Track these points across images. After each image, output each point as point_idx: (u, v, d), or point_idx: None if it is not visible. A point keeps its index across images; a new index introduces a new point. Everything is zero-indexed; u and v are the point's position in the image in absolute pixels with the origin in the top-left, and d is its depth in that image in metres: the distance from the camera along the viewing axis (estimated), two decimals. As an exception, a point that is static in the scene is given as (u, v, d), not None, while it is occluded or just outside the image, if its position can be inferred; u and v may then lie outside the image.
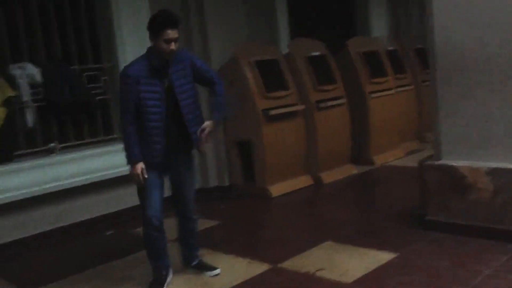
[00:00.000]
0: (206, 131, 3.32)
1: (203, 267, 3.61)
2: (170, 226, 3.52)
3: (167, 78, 3.23)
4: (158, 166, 3.27)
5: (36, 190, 4.47)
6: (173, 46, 3.14)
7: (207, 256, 3.87)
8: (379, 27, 8.13)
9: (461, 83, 3.81)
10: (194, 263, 3.62)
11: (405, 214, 4.44)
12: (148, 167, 3.21)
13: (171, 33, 3.12)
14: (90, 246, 4.51)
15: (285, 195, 5.57)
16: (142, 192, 3.27)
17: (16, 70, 4.50)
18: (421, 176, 4.11)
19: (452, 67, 3.83)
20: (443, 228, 3.90)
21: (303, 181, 5.86)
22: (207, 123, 3.35)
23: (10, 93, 4.37)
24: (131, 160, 3.20)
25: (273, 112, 5.47)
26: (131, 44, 5.07)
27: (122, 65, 4.99)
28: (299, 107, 5.80)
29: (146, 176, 3.19)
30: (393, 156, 6.85)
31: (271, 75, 5.68)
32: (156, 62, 3.19)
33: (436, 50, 3.89)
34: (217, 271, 3.59)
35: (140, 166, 3.18)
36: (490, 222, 3.70)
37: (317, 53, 6.11)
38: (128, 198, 4.38)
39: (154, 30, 3.14)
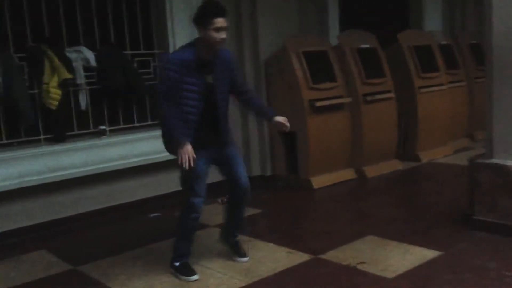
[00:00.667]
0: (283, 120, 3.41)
1: (237, 251, 3.65)
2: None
3: (211, 74, 3.24)
4: (205, 153, 3.29)
5: (86, 170, 4.63)
6: (223, 34, 3.16)
7: (248, 243, 3.91)
8: (433, 21, 7.91)
9: (519, 80, 3.68)
10: (233, 241, 3.65)
11: (451, 212, 4.34)
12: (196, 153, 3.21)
13: (221, 22, 3.13)
14: (137, 226, 4.64)
15: (327, 187, 5.55)
16: (189, 177, 3.27)
17: (72, 54, 4.66)
18: (470, 174, 4.00)
19: (510, 63, 3.69)
20: (492, 228, 3.79)
21: (346, 174, 5.82)
22: (280, 117, 3.43)
23: (66, 75, 4.52)
24: (180, 141, 3.16)
25: (319, 103, 5.44)
26: (181, 32, 5.16)
27: (172, 51, 5.13)
28: (346, 100, 5.74)
29: (195, 158, 3.16)
30: (440, 153, 6.69)
31: (320, 66, 5.65)
32: (203, 54, 3.20)
33: (493, 45, 3.76)
34: (246, 259, 3.63)
35: (190, 147, 3.16)
36: (542, 225, 3.57)
37: (366, 46, 6.02)
38: (174, 182, 4.47)
39: (203, 20, 3.14)
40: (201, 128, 3.25)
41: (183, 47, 3.30)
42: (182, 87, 3.16)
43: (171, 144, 3.28)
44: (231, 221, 3.64)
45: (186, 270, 3.41)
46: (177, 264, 3.44)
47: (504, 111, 3.78)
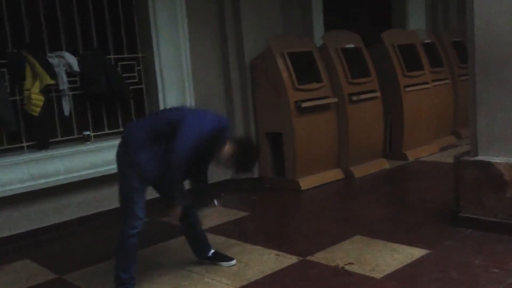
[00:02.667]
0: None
1: (220, 258, 3.60)
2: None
3: None
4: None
5: (70, 177, 4.57)
6: None
7: (236, 247, 3.89)
8: (416, 19, 7.95)
9: (502, 77, 3.69)
10: (211, 253, 3.60)
11: (438, 211, 4.35)
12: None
13: None
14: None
15: (315, 188, 5.54)
16: (130, 195, 3.16)
17: (54, 59, 4.60)
18: (456, 172, 4.01)
19: (493, 60, 3.71)
20: (478, 226, 3.80)
21: (333, 174, 5.82)
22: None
23: (49, 81, 4.46)
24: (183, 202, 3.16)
25: (305, 104, 5.44)
26: (165, 35, 5.14)
27: (156, 55, 5.10)
28: (332, 100, 5.74)
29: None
30: (426, 151, 6.72)
31: (305, 67, 5.65)
32: None
33: (476, 42, 3.77)
34: (233, 262, 3.59)
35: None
36: (528, 221, 3.59)
37: (351, 46, 6.03)
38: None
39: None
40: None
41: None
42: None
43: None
44: (199, 239, 3.58)
45: None
46: None
47: (487, 109, 3.79)
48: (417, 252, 3.54)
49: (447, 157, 5.40)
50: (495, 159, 3.74)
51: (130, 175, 3.14)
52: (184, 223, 3.48)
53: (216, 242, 3.84)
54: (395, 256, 3.52)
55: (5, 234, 4.30)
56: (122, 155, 3.23)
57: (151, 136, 3.14)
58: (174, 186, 3.10)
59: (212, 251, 3.62)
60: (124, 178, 3.19)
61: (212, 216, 4.55)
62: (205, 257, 3.61)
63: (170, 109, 3.58)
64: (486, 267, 3.23)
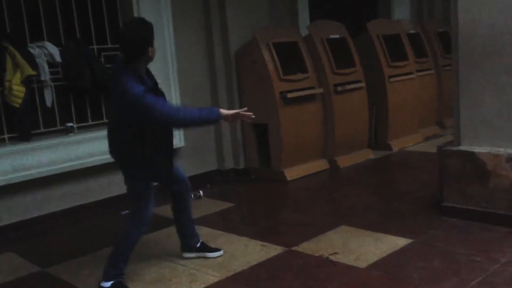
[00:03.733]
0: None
1: (206, 249, 3.59)
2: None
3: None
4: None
5: (53, 169, 4.52)
6: None
7: (221, 238, 3.89)
8: (401, 9, 7.97)
9: (485, 67, 3.72)
10: (198, 245, 3.58)
11: (422, 200, 4.39)
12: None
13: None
14: (108, 225, 4.55)
15: (300, 179, 5.55)
16: (143, 191, 3.16)
17: (35, 49, 4.52)
18: (439, 161, 4.05)
19: (476, 50, 3.74)
20: (462, 215, 3.85)
21: (319, 165, 5.83)
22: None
23: (30, 72, 4.38)
24: (214, 112, 3.09)
25: (290, 95, 5.43)
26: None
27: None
28: (317, 91, 5.74)
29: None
30: (411, 141, 6.77)
31: (290, 57, 5.63)
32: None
33: (459, 32, 3.79)
34: (220, 252, 3.59)
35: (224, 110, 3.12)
36: (510, 210, 3.63)
37: (336, 36, 6.02)
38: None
39: (151, 40, 3.00)
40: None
41: (130, 79, 2.96)
42: None
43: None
44: (186, 226, 3.55)
45: None
46: (108, 285, 3.15)
47: (471, 99, 3.82)
48: (401, 242, 3.57)
49: (431, 147, 5.44)
50: (478, 149, 3.78)
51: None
52: (176, 207, 3.48)
53: (202, 233, 3.82)
54: (379, 246, 3.55)
55: (-12, 227, 4.24)
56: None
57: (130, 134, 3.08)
58: (195, 122, 3.11)
59: (200, 241, 3.61)
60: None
61: (198, 207, 4.54)
62: (193, 249, 3.58)
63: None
64: (469, 256, 3.27)
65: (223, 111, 3.12)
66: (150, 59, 3.06)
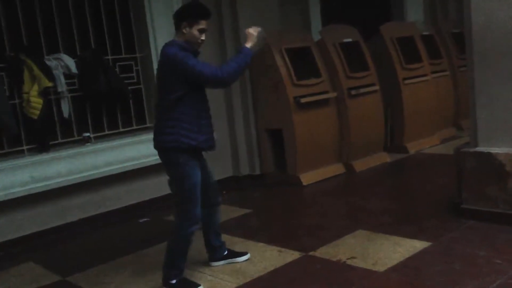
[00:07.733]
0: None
1: (233, 255, 3.61)
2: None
3: None
4: (200, 158, 3.26)
5: (71, 179, 4.58)
6: (204, 37, 3.18)
7: (239, 244, 3.90)
8: (415, 11, 7.92)
9: (501, 67, 3.68)
10: (225, 252, 3.60)
11: (440, 203, 4.35)
12: (195, 158, 3.19)
13: (206, 24, 3.16)
14: (126, 233, 4.60)
15: (316, 183, 5.54)
16: (190, 186, 3.16)
17: (51, 61, 4.60)
18: (457, 163, 4.01)
19: (491, 51, 3.70)
20: (480, 217, 3.80)
21: (334, 169, 5.81)
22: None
23: (47, 84, 4.47)
24: (247, 54, 3.17)
25: (304, 99, 5.43)
26: (162, 34, 5.10)
27: (154, 55, 5.09)
28: (331, 95, 5.73)
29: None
30: (428, 144, 6.71)
31: (303, 62, 5.64)
32: (194, 49, 3.16)
33: (473, 32, 3.76)
34: (248, 255, 3.62)
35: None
36: (530, 210, 3.59)
37: (349, 40, 6.01)
38: (162, 185, 4.44)
39: (190, 19, 3.11)
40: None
41: (171, 44, 3.15)
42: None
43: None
44: (215, 238, 3.55)
45: (189, 284, 3.28)
46: (174, 281, 3.24)
47: (486, 99, 3.78)
48: (419, 245, 3.54)
49: (449, 149, 5.39)
50: (495, 150, 3.73)
51: (191, 172, 3.15)
52: (205, 220, 3.42)
53: (219, 240, 3.84)
54: (397, 249, 3.52)
55: (9, 237, 4.31)
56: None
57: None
58: (238, 73, 3.16)
59: (226, 249, 3.63)
60: (184, 177, 3.17)
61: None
62: (220, 257, 3.58)
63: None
64: (489, 258, 3.23)
65: (251, 46, 3.19)
66: (187, 36, 3.12)
